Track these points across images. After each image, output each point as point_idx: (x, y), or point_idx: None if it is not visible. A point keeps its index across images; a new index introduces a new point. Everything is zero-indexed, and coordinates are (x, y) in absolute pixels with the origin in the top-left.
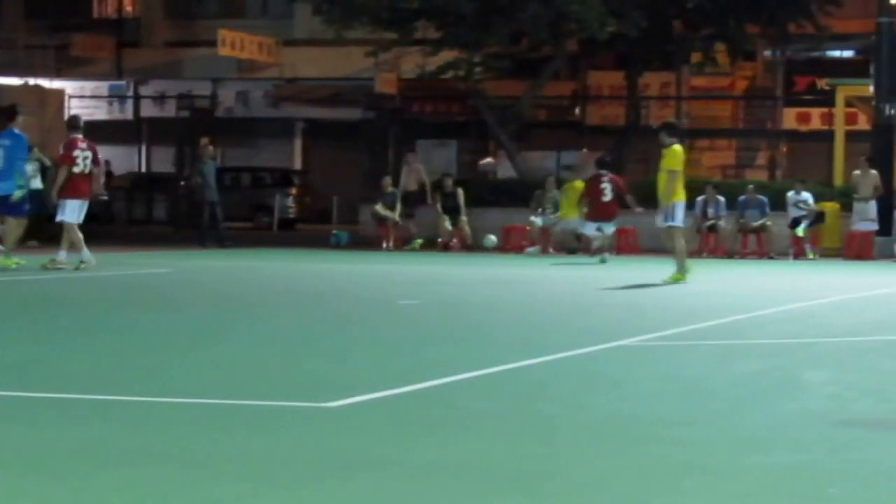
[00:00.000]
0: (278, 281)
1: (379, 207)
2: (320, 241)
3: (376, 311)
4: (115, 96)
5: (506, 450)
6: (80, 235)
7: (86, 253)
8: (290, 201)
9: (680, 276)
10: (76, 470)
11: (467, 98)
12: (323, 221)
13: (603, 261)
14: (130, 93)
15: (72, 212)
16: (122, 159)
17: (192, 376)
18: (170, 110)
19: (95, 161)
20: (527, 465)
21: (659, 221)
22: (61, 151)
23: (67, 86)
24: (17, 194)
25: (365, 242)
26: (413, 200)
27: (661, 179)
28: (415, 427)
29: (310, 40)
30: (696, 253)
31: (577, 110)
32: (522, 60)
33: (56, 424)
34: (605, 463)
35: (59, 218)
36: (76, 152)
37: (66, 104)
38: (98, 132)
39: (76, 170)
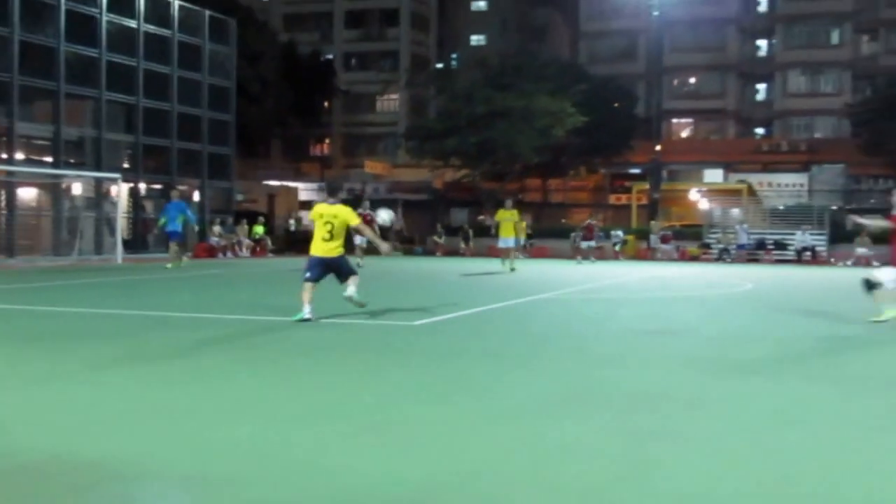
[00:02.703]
0: (397, 268)
1: (435, 237)
2: (410, 252)
3: (444, 279)
4: (320, 189)
5: (503, 342)
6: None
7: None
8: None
9: (514, 267)
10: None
11: (473, 190)
12: (411, 243)
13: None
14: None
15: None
16: None
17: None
18: (344, 195)
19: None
20: (510, 352)
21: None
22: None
23: (299, 185)
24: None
25: (429, 253)
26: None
27: (516, 226)
28: (453, 335)
29: (405, 164)
30: (572, 257)
31: (520, 195)
32: (498, 172)
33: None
34: (542, 351)
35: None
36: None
37: (298, 193)
38: (312, 206)
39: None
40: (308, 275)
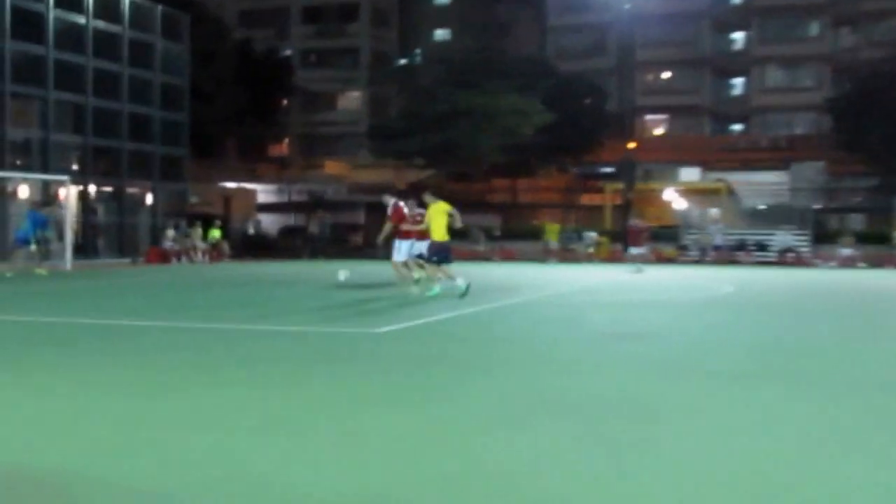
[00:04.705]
0: (357, 273)
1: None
2: (372, 256)
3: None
4: (279, 191)
5: (470, 349)
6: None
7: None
8: (358, 237)
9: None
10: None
11: (438, 191)
12: (373, 247)
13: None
14: (286, 190)
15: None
16: (283, 220)
17: (315, 313)
18: (304, 197)
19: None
20: (477, 359)
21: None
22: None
23: (257, 187)
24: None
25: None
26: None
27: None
28: (419, 342)
29: (366, 164)
30: (543, 259)
31: (487, 196)
32: (463, 173)
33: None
34: (510, 358)
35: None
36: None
37: (256, 196)
38: (270, 208)
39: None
40: (437, 258)
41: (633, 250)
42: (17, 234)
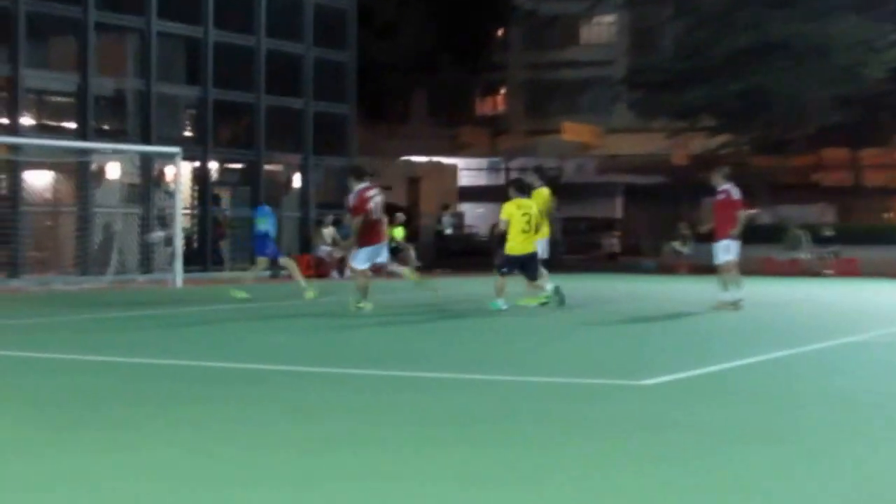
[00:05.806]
0: (610, 294)
1: (676, 244)
2: (634, 269)
3: (691, 312)
4: (492, 169)
5: (759, 413)
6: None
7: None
8: (614, 240)
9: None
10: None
11: (739, 167)
12: (636, 254)
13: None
14: (502, 166)
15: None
16: (497, 213)
17: (549, 362)
18: (530, 177)
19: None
20: (804, 430)
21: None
22: (352, 203)
23: (458, 162)
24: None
25: (666, 269)
26: None
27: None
28: (707, 402)
29: (625, 128)
30: None
31: (815, 175)
32: (777, 140)
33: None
34: (857, 429)
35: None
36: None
37: (457, 175)
38: (479, 195)
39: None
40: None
41: None
42: (264, 247)
